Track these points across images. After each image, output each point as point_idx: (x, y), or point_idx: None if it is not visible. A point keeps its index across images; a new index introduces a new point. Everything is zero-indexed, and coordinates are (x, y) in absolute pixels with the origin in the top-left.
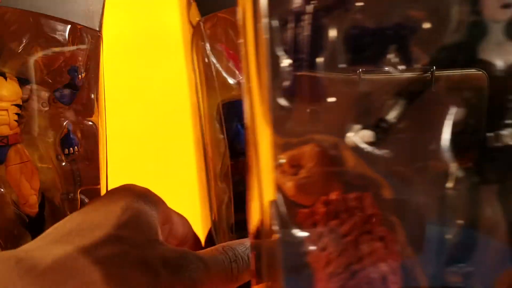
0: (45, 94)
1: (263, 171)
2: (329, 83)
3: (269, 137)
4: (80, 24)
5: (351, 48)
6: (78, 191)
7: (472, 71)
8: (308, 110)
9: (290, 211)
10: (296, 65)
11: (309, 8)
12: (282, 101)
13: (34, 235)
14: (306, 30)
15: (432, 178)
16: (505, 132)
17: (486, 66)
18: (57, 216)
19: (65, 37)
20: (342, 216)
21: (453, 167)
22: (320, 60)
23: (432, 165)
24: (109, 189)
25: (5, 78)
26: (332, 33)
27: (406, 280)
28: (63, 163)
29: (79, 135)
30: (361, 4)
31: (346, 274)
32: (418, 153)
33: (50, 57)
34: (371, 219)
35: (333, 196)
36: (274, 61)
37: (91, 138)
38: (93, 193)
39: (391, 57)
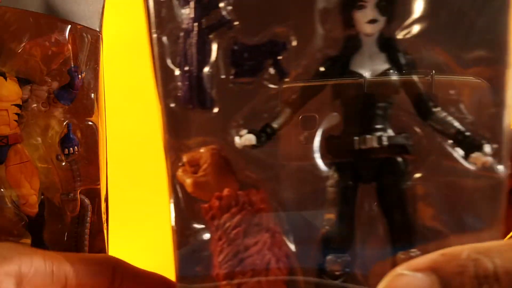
0: (45, 94)
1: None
2: (219, 91)
3: (165, 140)
4: (80, 24)
5: (233, 61)
6: (78, 191)
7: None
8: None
9: (192, 206)
10: (186, 75)
11: (196, 26)
12: (176, 107)
13: (34, 235)
14: (194, 45)
15: (313, 177)
16: (369, 136)
17: (357, 76)
18: (57, 216)
19: (65, 37)
20: (233, 210)
21: (331, 167)
22: (207, 71)
23: (309, 165)
24: (109, 189)
25: (5, 78)
26: (217, 48)
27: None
28: (63, 163)
29: (79, 135)
30: (239, 23)
31: (234, 261)
32: (297, 154)
33: (50, 57)
34: (259, 212)
35: (225, 192)
36: (166, 71)
37: (91, 138)
38: (93, 193)
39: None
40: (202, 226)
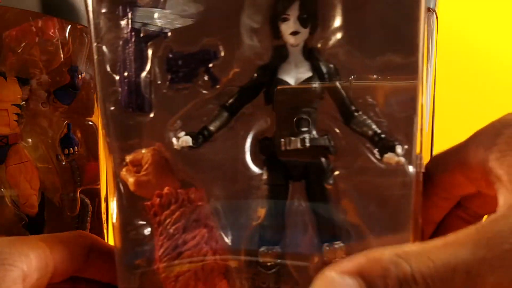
0: (45, 94)
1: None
2: (156, 96)
3: (106, 141)
4: (80, 24)
5: (168, 68)
6: (78, 191)
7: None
8: (141, 118)
9: (135, 203)
10: (125, 81)
11: (134, 36)
12: (116, 111)
13: (34, 235)
14: (132, 53)
15: (246, 176)
16: (294, 138)
17: (284, 83)
18: (57, 216)
19: (65, 37)
20: (173, 207)
21: (264, 166)
22: (145, 77)
23: (240, 168)
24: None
25: (5, 78)
26: (153, 56)
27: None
28: (63, 163)
29: (79, 135)
30: (172, 34)
31: (173, 255)
32: (232, 155)
33: (50, 57)
34: (198, 209)
35: (166, 190)
36: (106, 77)
37: (91, 138)
38: (93, 193)
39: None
40: (144, 222)
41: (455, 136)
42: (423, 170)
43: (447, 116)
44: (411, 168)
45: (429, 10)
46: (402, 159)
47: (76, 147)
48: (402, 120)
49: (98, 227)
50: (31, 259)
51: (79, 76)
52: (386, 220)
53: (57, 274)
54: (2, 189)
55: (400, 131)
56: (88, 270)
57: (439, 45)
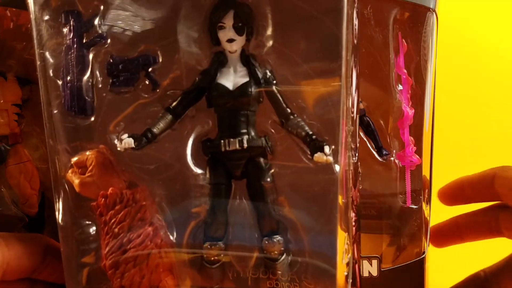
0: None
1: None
2: (98, 99)
3: (49, 144)
4: None
5: (109, 73)
6: None
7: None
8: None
9: (80, 203)
10: (68, 85)
11: (75, 42)
12: (58, 114)
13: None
14: (74, 59)
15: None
16: (233, 139)
17: (220, 87)
18: None
19: None
20: (118, 207)
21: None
22: (86, 81)
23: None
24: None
25: (5, 78)
26: (94, 61)
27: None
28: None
29: None
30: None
31: (118, 253)
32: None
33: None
34: (143, 209)
35: (110, 191)
36: (49, 82)
37: None
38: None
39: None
40: (89, 222)
41: (455, 136)
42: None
43: (447, 116)
44: (337, 167)
45: (429, 10)
46: (330, 158)
47: None
48: (329, 122)
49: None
50: None
51: None
52: (316, 214)
53: (11, 269)
54: (2, 189)
55: (328, 132)
56: (45, 272)
57: (439, 45)
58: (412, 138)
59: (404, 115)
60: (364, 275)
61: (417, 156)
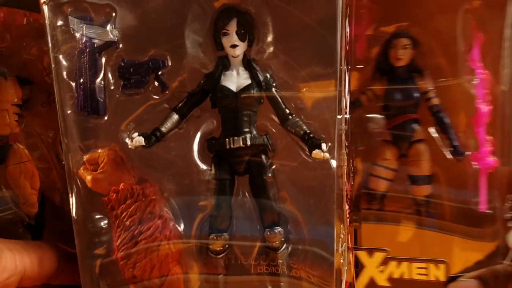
0: (45, 94)
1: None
2: (110, 100)
3: (64, 142)
4: None
5: (120, 76)
6: None
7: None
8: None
9: (92, 199)
10: (81, 87)
11: (88, 46)
12: (72, 114)
13: (34, 235)
14: (87, 62)
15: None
16: (237, 137)
17: (225, 89)
18: (57, 215)
19: None
20: (129, 201)
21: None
22: (99, 83)
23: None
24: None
25: (5, 78)
26: (106, 64)
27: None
28: (63, 163)
29: None
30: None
31: (129, 244)
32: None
33: (50, 57)
34: (152, 203)
35: (121, 186)
36: (63, 84)
37: None
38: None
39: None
40: (101, 216)
41: None
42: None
43: None
44: (333, 162)
45: None
46: (327, 155)
47: None
48: (327, 122)
49: None
50: (1, 260)
51: None
52: (314, 206)
53: (28, 277)
54: (2, 189)
55: (325, 131)
56: (60, 277)
57: None
58: (489, 137)
59: (479, 112)
60: (431, 279)
61: (494, 158)
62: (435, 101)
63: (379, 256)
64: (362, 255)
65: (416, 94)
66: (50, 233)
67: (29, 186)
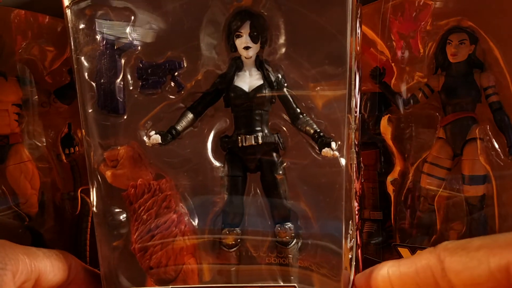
0: (45, 94)
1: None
2: (129, 100)
3: (85, 140)
4: None
5: (139, 76)
6: (79, 191)
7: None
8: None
9: (112, 193)
10: (101, 87)
11: (108, 48)
12: (93, 113)
13: (34, 235)
14: (107, 63)
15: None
16: (249, 136)
17: (238, 89)
18: (57, 215)
19: (65, 37)
20: (146, 196)
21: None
22: (119, 84)
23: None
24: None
25: (5, 78)
26: (125, 65)
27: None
28: (63, 163)
29: (79, 134)
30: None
31: (146, 237)
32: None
33: (50, 57)
34: (168, 198)
35: (139, 182)
36: (85, 84)
37: None
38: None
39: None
40: (120, 209)
41: None
42: (355, 162)
43: None
44: (343, 160)
45: None
46: (336, 153)
47: (76, 146)
48: (337, 121)
49: None
50: (18, 263)
51: None
52: (323, 202)
53: (40, 284)
54: (2, 189)
55: (335, 130)
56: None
57: None
58: None
59: None
60: None
61: None
62: (495, 98)
63: None
64: (404, 252)
65: (474, 91)
66: (50, 233)
67: (29, 186)
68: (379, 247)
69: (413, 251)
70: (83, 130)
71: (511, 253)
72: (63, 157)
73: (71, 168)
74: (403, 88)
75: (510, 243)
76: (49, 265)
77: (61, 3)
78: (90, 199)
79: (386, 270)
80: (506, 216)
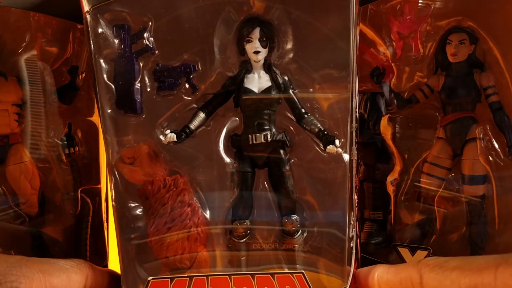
0: (45, 94)
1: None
2: (146, 101)
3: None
4: (81, 24)
5: (155, 78)
6: (79, 191)
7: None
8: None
9: (129, 188)
10: (119, 89)
11: (127, 51)
12: (112, 113)
13: (34, 235)
14: (125, 65)
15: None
16: (258, 134)
17: (248, 91)
18: (57, 215)
19: (66, 37)
20: (162, 191)
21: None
22: (136, 85)
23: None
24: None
25: (5, 78)
26: (143, 68)
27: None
28: (63, 163)
29: (79, 134)
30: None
31: (163, 230)
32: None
33: (50, 57)
34: (183, 192)
35: (155, 177)
36: (104, 85)
37: (92, 137)
38: (94, 193)
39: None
40: (136, 204)
41: None
42: (355, 158)
43: None
44: (346, 157)
45: None
46: (340, 150)
47: (76, 146)
48: (339, 120)
49: (98, 226)
50: (32, 281)
51: (80, 75)
52: (328, 195)
53: None
54: (2, 189)
55: (338, 128)
56: None
57: None
58: None
59: None
60: None
61: None
62: (495, 98)
63: (421, 255)
64: (404, 252)
65: (474, 91)
66: (50, 233)
67: (29, 186)
68: (379, 247)
69: (413, 251)
70: (102, 129)
71: (479, 276)
72: (63, 157)
73: (71, 168)
74: (403, 88)
75: (481, 267)
76: (64, 279)
77: (60, 3)
78: (90, 199)
79: (376, 274)
80: (506, 216)
